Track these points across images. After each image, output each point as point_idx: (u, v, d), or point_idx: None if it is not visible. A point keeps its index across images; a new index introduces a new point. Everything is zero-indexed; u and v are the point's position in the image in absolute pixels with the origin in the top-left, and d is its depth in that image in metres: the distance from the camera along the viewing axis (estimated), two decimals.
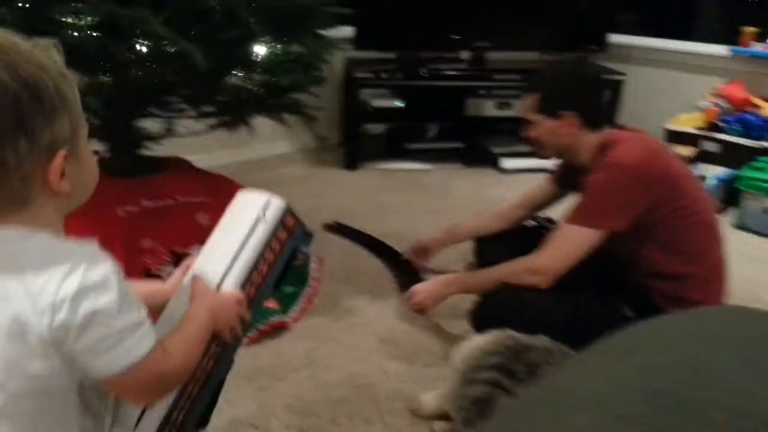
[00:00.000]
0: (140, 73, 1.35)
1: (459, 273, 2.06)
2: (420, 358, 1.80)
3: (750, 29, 3.27)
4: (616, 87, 3.49)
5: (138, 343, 0.73)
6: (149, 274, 1.88)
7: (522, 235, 2.05)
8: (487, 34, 3.49)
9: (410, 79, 3.45)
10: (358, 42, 3.36)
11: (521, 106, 1.77)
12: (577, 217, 1.62)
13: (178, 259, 1.92)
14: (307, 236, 1.15)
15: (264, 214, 1.00)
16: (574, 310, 1.67)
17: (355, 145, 3.47)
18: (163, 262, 1.90)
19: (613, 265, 1.70)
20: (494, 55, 3.59)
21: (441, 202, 3.03)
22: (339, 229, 2.65)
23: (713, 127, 3.07)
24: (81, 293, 0.69)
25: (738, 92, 3.09)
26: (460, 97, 3.53)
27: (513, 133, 3.86)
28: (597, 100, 1.74)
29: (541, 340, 1.37)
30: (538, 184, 2.08)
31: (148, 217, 1.92)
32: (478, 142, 3.70)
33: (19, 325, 0.68)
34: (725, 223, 2.79)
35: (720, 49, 3.41)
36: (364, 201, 2.99)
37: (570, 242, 1.62)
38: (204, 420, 0.98)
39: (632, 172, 1.55)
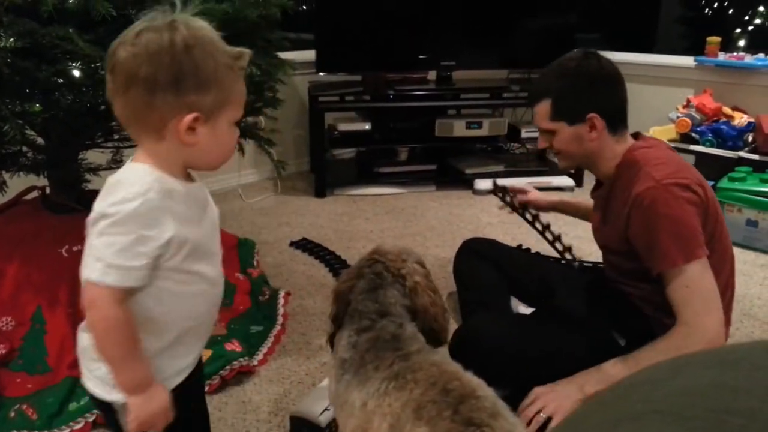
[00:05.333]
0: (70, 98, 1.21)
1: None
2: None
3: (714, 39, 3.26)
4: None
5: (103, 272, 0.86)
6: None
7: (505, 256, 1.94)
8: (453, 53, 3.42)
9: (377, 101, 3.37)
10: (322, 65, 3.27)
11: (535, 116, 1.55)
12: (677, 256, 1.35)
13: None
14: None
15: None
16: (564, 340, 1.56)
17: (323, 171, 3.35)
18: None
19: (604, 293, 1.59)
20: (461, 74, 3.52)
21: (414, 226, 2.91)
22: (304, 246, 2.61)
23: (686, 138, 3.02)
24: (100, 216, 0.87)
25: (709, 102, 3.05)
26: (429, 117, 3.45)
27: (484, 153, 3.82)
28: (616, 97, 1.51)
29: None
30: None
31: None
32: (449, 163, 3.62)
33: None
34: None
35: (685, 60, 3.40)
36: (335, 228, 2.86)
37: (703, 287, 1.36)
38: None
39: (684, 191, 1.38)
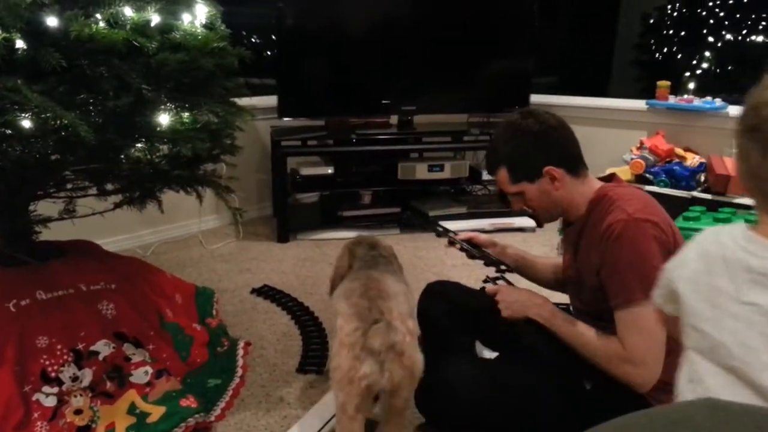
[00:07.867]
0: (19, 149, 1.18)
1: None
2: None
3: (664, 83, 3.39)
4: None
5: None
6: (47, 378, 1.65)
7: (469, 298, 1.92)
8: (414, 98, 3.48)
9: (340, 145, 3.38)
10: (284, 111, 3.28)
11: (499, 185, 1.63)
12: (637, 292, 1.36)
13: (79, 357, 1.69)
14: None
15: None
16: (532, 386, 1.54)
17: (286, 216, 3.33)
18: (63, 361, 1.66)
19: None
20: (422, 118, 3.57)
21: None
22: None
23: (640, 179, 3.10)
24: None
25: (662, 144, 3.15)
26: (392, 161, 3.48)
27: (447, 195, 3.85)
28: (563, 144, 1.56)
29: None
30: None
31: (43, 310, 1.69)
32: (413, 206, 3.63)
33: None
34: None
35: (637, 104, 3.52)
36: (297, 274, 2.82)
37: (651, 326, 1.35)
38: None
39: (653, 228, 1.38)
